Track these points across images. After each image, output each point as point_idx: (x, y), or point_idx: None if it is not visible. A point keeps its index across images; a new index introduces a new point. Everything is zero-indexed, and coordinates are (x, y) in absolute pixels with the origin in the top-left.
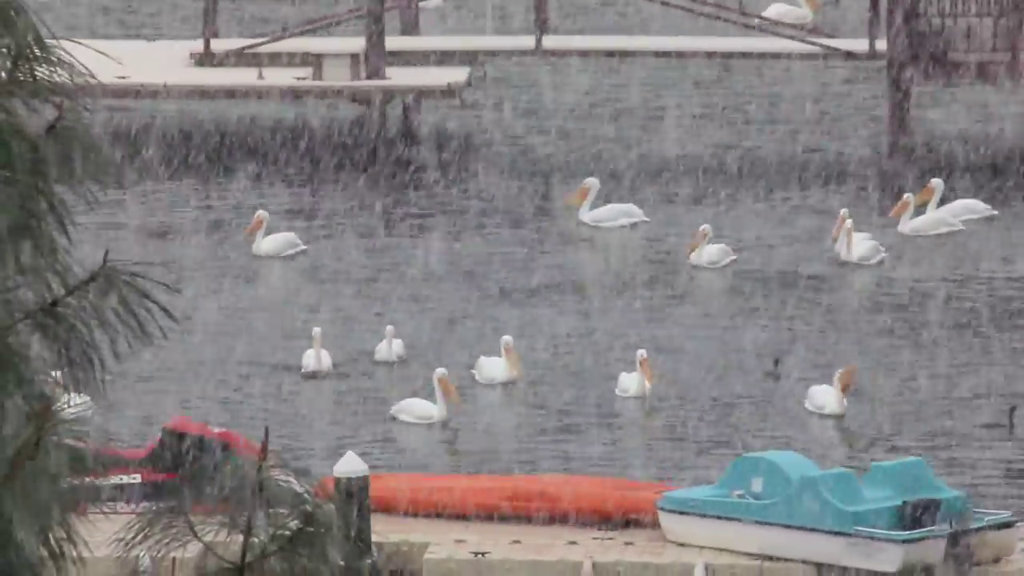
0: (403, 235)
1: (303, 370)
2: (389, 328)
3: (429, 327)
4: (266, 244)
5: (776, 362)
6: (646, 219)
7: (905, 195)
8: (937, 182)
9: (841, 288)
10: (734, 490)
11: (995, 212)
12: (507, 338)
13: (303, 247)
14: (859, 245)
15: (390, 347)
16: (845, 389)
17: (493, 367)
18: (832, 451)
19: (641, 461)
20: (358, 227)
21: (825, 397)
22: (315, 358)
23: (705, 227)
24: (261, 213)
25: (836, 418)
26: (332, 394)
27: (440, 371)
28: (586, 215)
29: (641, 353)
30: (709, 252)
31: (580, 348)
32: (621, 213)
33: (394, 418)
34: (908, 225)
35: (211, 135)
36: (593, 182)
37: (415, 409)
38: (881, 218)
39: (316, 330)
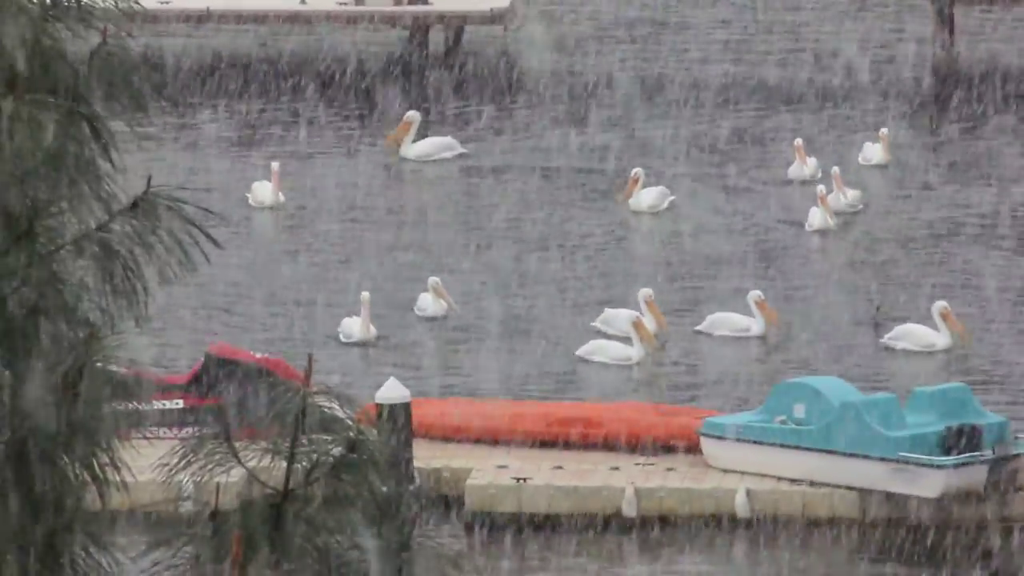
0: (446, 158)
1: (347, 339)
2: (433, 280)
3: (477, 269)
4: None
5: (878, 308)
6: (464, 151)
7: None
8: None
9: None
10: (776, 416)
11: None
12: (647, 290)
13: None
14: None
15: (440, 301)
16: (949, 323)
17: (621, 320)
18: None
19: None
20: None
21: (931, 334)
22: (363, 326)
23: (637, 171)
24: (274, 165)
25: (945, 353)
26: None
27: (633, 314)
28: (409, 150)
29: (758, 294)
30: (648, 196)
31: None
32: (443, 147)
33: (585, 360)
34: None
35: (253, 60)
36: (414, 115)
37: (611, 351)
38: (924, 141)
39: (364, 295)
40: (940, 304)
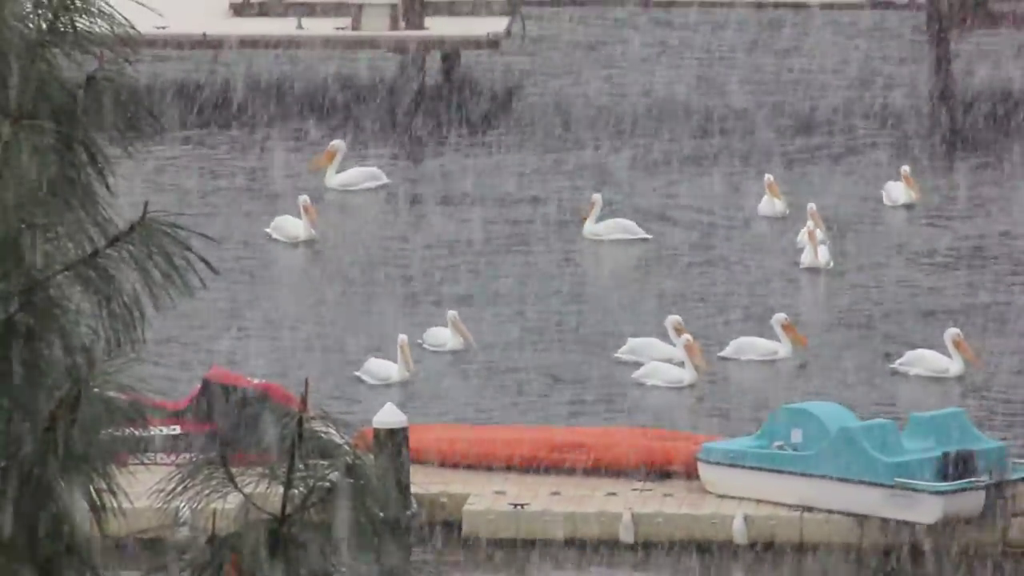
0: (440, 186)
1: (381, 381)
2: (451, 313)
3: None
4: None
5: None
6: (387, 181)
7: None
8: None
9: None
10: (774, 441)
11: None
12: (676, 317)
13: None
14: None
15: (457, 336)
16: (962, 351)
17: (649, 349)
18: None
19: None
20: (394, 179)
21: (943, 360)
22: (400, 368)
23: (596, 196)
24: (304, 199)
25: (957, 380)
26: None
27: (686, 336)
28: (332, 179)
29: (783, 317)
30: (607, 226)
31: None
32: (366, 176)
33: (640, 383)
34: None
35: (249, 85)
36: (339, 144)
37: (665, 374)
38: (925, 168)
39: (402, 338)
40: (953, 331)
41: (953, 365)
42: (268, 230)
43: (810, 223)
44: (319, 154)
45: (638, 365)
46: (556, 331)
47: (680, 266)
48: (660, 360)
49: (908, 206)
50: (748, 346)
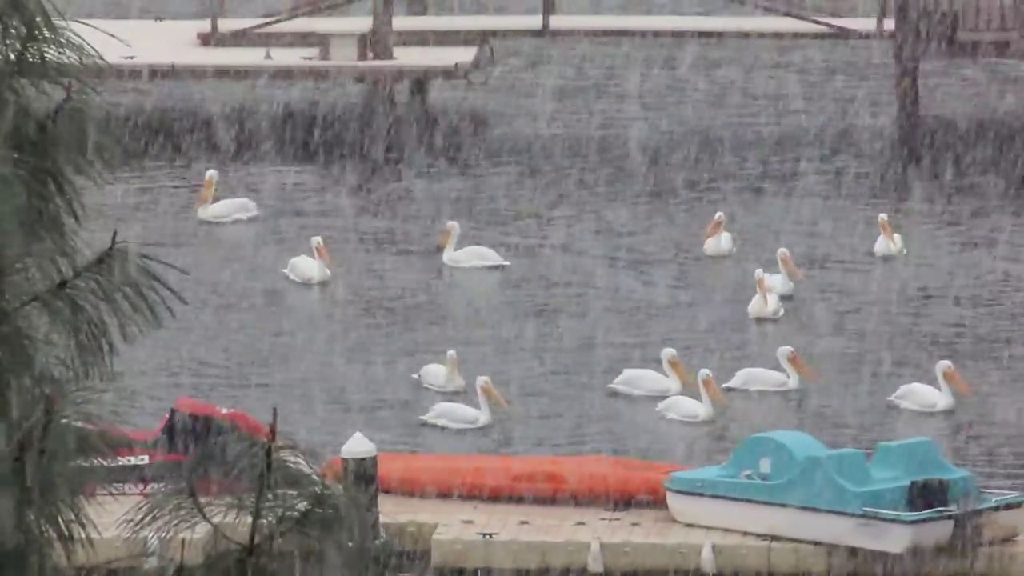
0: (410, 218)
1: (472, 424)
2: (450, 353)
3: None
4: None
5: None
6: (257, 213)
7: (718, 215)
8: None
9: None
10: (742, 470)
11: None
12: (671, 350)
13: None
14: (772, 300)
15: (456, 376)
16: (953, 383)
17: (646, 380)
18: (953, 449)
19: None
20: (361, 209)
21: (933, 394)
22: (486, 412)
23: (451, 224)
24: (316, 240)
25: (947, 414)
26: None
27: (704, 372)
28: (204, 211)
29: (789, 350)
30: (465, 253)
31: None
32: (237, 208)
33: (664, 417)
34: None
35: (218, 115)
36: (212, 175)
37: (683, 408)
38: (894, 201)
39: (482, 379)
40: (944, 364)
41: (941, 399)
42: (284, 270)
43: (759, 270)
44: (201, 187)
45: (631, 396)
46: (540, 364)
47: (628, 306)
48: (654, 390)
49: (887, 257)
50: (757, 377)
